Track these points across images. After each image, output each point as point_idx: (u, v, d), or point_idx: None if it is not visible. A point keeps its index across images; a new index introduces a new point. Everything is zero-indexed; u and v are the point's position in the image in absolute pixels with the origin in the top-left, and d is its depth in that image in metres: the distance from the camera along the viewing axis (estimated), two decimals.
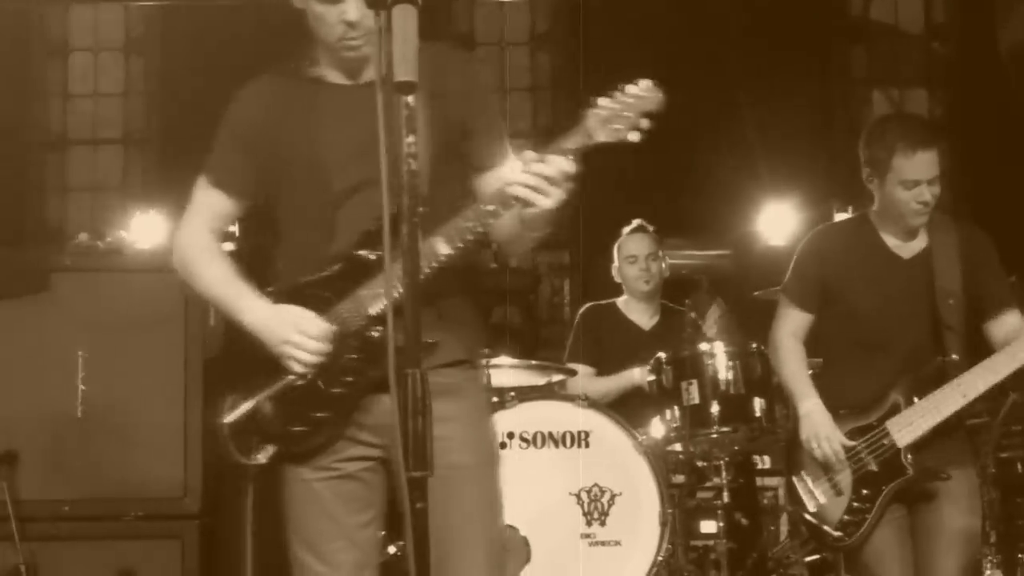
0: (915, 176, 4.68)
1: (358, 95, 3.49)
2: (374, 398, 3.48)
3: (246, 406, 3.53)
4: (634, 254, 6.85)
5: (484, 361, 3.87)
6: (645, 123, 3.38)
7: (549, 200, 3.32)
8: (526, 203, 3.34)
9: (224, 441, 3.56)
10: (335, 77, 3.61)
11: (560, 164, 3.32)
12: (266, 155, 3.64)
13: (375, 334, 3.44)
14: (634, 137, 3.37)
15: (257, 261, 3.88)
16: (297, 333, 3.46)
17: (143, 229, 8.46)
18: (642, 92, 3.40)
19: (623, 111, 3.38)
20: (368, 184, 3.33)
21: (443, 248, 3.38)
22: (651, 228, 6.94)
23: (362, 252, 3.47)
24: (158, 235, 8.30)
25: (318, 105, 3.58)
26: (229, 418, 3.54)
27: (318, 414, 3.50)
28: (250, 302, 3.56)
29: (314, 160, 3.56)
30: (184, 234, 3.77)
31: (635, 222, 6.93)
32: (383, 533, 3.78)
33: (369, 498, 3.59)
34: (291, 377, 3.50)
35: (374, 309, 3.44)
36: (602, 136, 3.37)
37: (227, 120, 3.74)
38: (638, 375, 6.45)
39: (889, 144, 4.72)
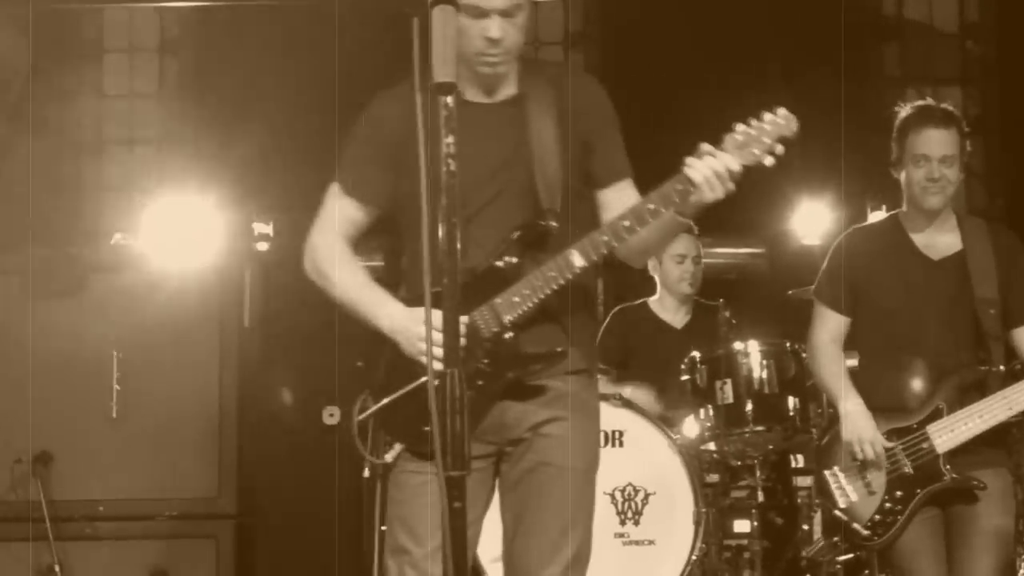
0: (923, 151, 4.69)
1: (494, 112, 3.67)
2: (503, 402, 3.63)
3: (378, 406, 3.64)
4: (683, 254, 6.79)
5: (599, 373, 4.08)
6: (780, 149, 3.53)
7: (714, 194, 3.49)
8: (689, 193, 3.50)
9: (353, 439, 3.66)
10: (471, 94, 3.67)
11: (730, 162, 3.48)
12: (399, 167, 3.69)
13: (507, 346, 3.57)
14: (769, 162, 3.52)
15: None
16: (434, 331, 3.48)
17: (166, 229, 8.47)
18: (779, 119, 3.55)
19: (760, 136, 3.52)
20: (501, 198, 3.59)
21: (578, 261, 3.54)
22: (696, 229, 6.88)
23: (498, 263, 3.60)
24: (182, 235, 8.32)
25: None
26: (360, 417, 3.65)
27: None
28: (389, 306, 3.66)
29: None
30: (318, 240, 3.82)
31: None
32: None
33: (479, 496, 3.68)
34: (424, 378, 3.53)
35: (509, 317, 3.57)
36: (739, 159, 3.51)
37: (360, 128, 3.81)
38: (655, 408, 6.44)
39: (905, 125, 4.77)
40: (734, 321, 6.29)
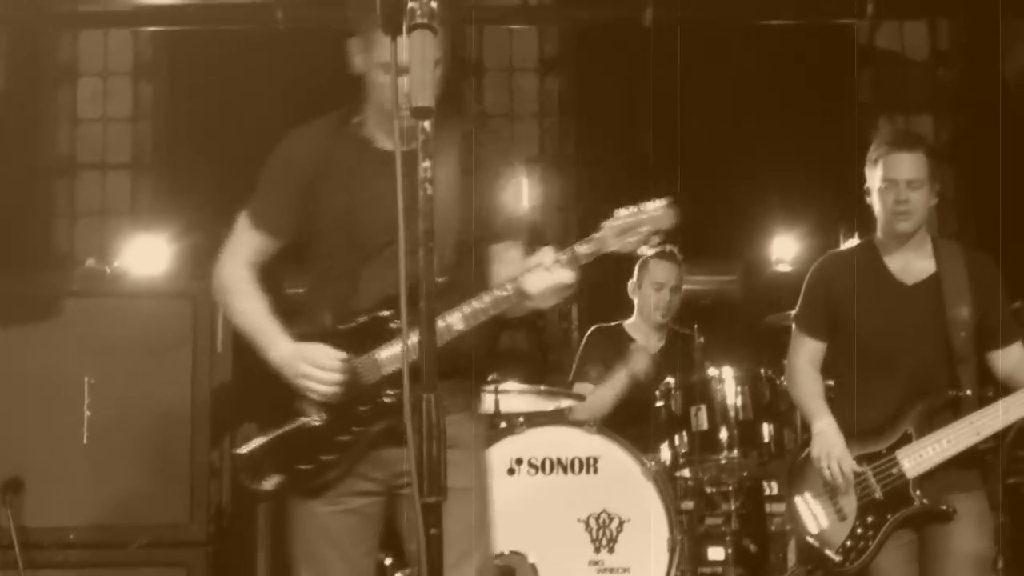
0: (893, 175, 4.73)
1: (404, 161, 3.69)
2: (380, 448, 3.77)
3: (260, 440, 3.79)
4: (661, 282, 6.75)
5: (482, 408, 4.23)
6: (656, 240, 3.68)
7: (545, 304, 3.69)
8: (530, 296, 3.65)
9: (235, 467, 3.87)
10: (383, 141, 3.83)
11: (564, 276, 3.62)
12: (307, 204, 3.87)
13: (387, 396, 3.70)
14: (644, 251, 3.72)
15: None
16: (310, 366, 3.71)
17: (146, 254, 8.48)
18: (658, 211, 3.67)
19: (639, 226, 3.65)
20: (396, 246, 3.55)
21: (458, 325, 3.66)
22: (680, 257, 6.84)
23: (383, 314, 3.73)
24: (155, 259, 8.32)
25: (363, 168, 3.81)
26: (243, 449, 3.79)
27: (324, 457, 3.75)
28: (276, 339, 3.81)
29: (351, 220, 3.80)
30: (225, 267, 3.99)
31: (666, 247, 6.79)
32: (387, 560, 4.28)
33: (371, 530, 3.89)
34: (304, 419, 3.75)
35: (388, 370, 3.70)
36: (615, 246, 3.66)
37: (273, 163, 3.96)
38: (629, 366, 6.47)
39: (875, 151, 4.81)
40: (705, 346, 6.28)
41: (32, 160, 9.39)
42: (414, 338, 3.63)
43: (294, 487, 3.82)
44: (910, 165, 4.73)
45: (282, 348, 3.78)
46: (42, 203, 9.66)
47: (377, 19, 3.59)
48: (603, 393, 6.54)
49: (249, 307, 3.91)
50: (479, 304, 3.67)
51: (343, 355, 3.72)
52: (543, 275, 3.62)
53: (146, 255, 8.46)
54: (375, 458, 3.78)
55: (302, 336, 3.80)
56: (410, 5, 2.67)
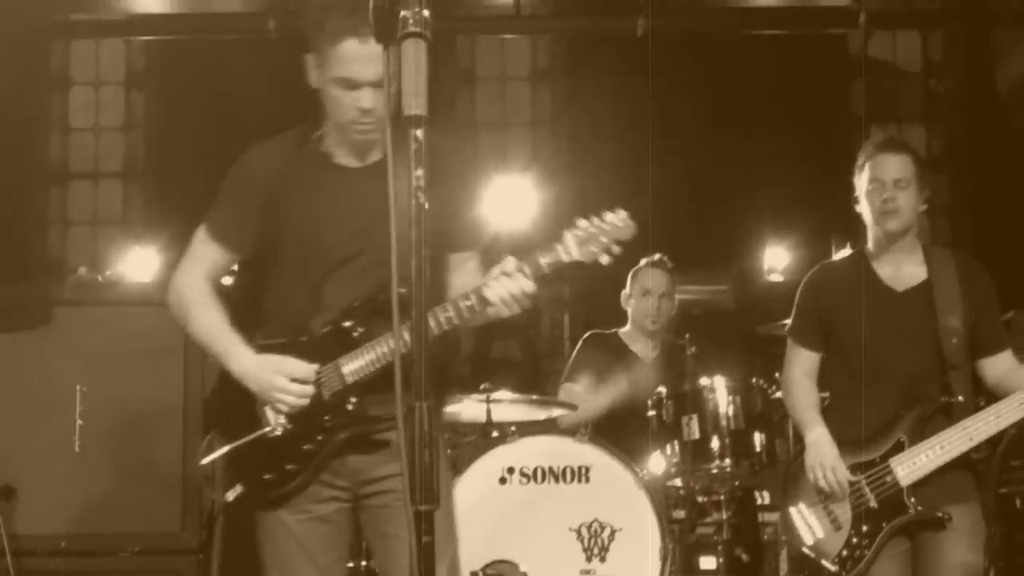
0: (879, 174, 4.77)
1: (361, 176, 3.81)
2: (344, 456, 3.80)
3: (222, 450, 3.81)
4: (649, 288, 6.79)
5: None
6: (617, 250, 3.69)
7: (507, 312, 3.67)
8: (491, 304, 3.65)
9: (199, 477, 3.86)
10: (342, 156, 3.86)
11: (525, 285, 3.63)
12: (267, 219, 3.88)
13: (350, 404, 3.74)
14: (604, 260, 3.69)
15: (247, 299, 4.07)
16: (282, 377, 3.73)
17: (138, 263, 8.47)
18: (618, 221, 3.70)
19: (599, 236, 3.67)
20: (359, 260, 3.74)
21: None
22: (670, 264, 6.87)
23: (346, 324, 3.76)
24: (153, 269, 8.32)
25: (323, 183, 3.83)
26: (205, 459, 3.82)
27: (287, 466, 3.78)
28: (238, 351, 3.82)
29: (313, 235, 3.81)
30: (182, 279, 4.01)
31: (656, 255, 6.83)
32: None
33: (340, 537, 3.90)
34: (267, 428, 3.77)
35: (352, 380, 3.74)
36: (576, 255, 3.67)
37: (233, 176, 3.96)
38: (633, 380, 6.49)
39: (862, 157, 4.85)
40: (697, 355, 6.28)
41: (25, 169, 9.37)
42: (383, 348, 3.70)
43: (257, 497, 3.83)
44: (896, 165, 4.77)
45: (244, 360, 3.80)
46: (35, 211, 9.65)
47: (329, 35, 3.64)
48: (598, 399, 6.55)
49: (207, 317, 3.92)
50: (443, 315, 3.68)
51: (315, 367, 3.75)
52: (505, 282, 3.63)
53: (138, 263, 8.46)
54: (339, 466, 3.80)
55: (264, 348, 3.82)
56: (402, 14, 2.66)
